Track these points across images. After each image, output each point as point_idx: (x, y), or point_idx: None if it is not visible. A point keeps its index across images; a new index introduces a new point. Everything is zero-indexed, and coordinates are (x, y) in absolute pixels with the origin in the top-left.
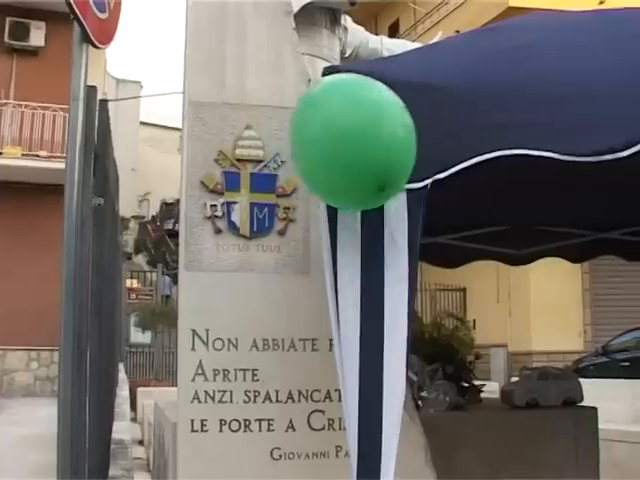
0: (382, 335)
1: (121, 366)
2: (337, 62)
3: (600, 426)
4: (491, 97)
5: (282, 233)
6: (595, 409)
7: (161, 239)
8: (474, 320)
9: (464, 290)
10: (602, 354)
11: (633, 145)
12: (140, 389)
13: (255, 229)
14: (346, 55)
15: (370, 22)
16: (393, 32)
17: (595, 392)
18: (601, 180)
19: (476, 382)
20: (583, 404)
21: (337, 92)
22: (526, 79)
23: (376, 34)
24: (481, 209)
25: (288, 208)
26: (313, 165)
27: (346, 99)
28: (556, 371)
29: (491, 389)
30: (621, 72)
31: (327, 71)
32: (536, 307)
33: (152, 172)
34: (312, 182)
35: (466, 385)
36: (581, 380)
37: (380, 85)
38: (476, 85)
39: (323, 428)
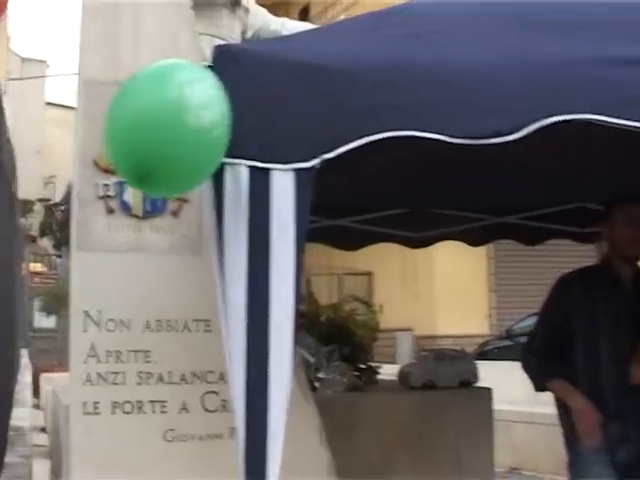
0: (268, 314)
1: (25, 352)
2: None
3: (500, 407)
4: (383, 79)
5: (176, 213)
6: (490, 390)
7: (67, 222)
8: (381, 305)
9: (370, 274)
10: (506, 337)
11: (520, 128)
12: (43, 375)
13: (148, 209)
14: (247, 36)
15: (280, 7)
16: (303, 16)
17: (498, 374)
18: (497, 165)
19: (373, 364)
20: (478, 385)
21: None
22: (419, 62)
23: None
24: (379, 192)
25: None
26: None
27: (135, 88)
28: (452, 353)
29: (395, 372)
30: (516, 58)
31: (217, 50)
32: (441, 291)
33: (59, 154)
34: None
35: (363, 367)
36: (485, 363)
37: (180, 73)
38: (370, 66)
39: (217, 410)
